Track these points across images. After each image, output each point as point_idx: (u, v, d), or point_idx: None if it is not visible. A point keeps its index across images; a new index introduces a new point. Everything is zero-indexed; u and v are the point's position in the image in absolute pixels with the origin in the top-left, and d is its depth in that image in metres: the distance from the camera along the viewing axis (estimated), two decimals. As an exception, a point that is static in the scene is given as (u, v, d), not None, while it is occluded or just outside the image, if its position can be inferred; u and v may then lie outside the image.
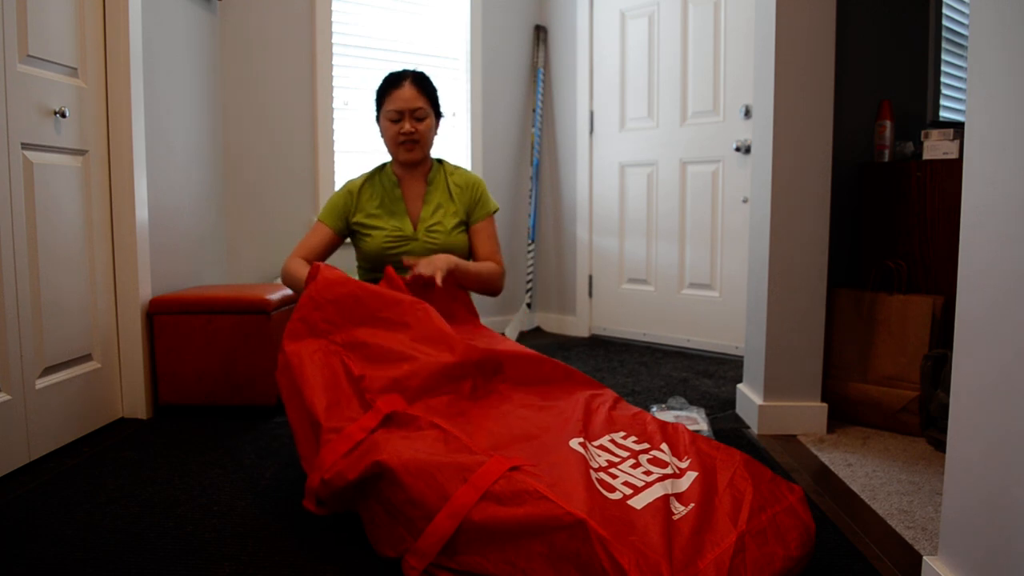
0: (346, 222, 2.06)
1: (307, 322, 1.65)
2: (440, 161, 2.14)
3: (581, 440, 1.41)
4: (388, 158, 2.12)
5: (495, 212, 2.12)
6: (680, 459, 1.43)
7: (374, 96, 2.06)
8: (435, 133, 2.08)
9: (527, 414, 1.54)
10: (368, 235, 2.03)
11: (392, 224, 2.02)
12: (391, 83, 2.01)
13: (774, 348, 2.19)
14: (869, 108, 2.45)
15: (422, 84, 2.02)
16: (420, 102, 1.99)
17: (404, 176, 2.08)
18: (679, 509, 1.24)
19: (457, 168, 2.14)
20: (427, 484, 1.27)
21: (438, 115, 2.08)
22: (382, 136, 2.06)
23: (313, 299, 1.67)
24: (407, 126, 1.98)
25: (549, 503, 1.16)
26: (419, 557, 1.24)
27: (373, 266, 2.04)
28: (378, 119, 2.05)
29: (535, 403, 1.61)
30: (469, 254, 2.10)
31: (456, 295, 1.91)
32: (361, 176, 2.11)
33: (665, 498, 1.24)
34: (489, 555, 1.19)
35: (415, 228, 2.03)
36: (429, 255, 1.96)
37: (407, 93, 1.98)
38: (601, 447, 1.44)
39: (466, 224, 2.09)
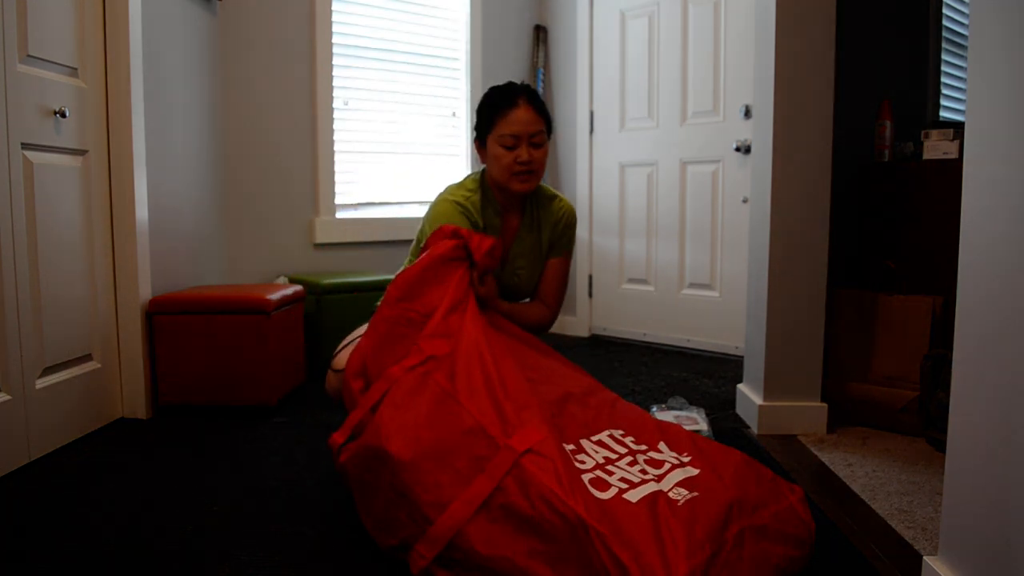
0: None
1: (387, 320, 1.63)
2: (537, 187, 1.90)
3: (572, 448, 1.41)
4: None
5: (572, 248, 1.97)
6: (681, 455, 1.43)
7: (477, 113, 1.84)
8: None
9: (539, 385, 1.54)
10: None
11: None
12: (503, 102, 1.77)
13: (774, 348, 2.19)
14: (869, 108, 2.45)
15: (538, 103, 1.79)
16: (539, 125, 1.76)
17: (505, 204, 1.87)
18: (679, 499, 1.23)
19: (553, 198, 1.92)
20: (444, 471, 1.27)
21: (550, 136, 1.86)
22: (487, 160, 1.83)
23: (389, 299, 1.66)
24: (524, 155, 1.74)
25: (555, 498, 1.16)
26: (429, 544, 1.23)
27: None
28: (482, 139, 1.83)
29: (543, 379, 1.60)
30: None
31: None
32: (473, 192, 1.85)
33: (663, 495, 1.24)
34: (495, 552, 1.19)
35: (503, 267, 1.88)
36: (504, 293, 1.87)
37: (525, 115, 1.74)
38: (599, 443, 1.44)
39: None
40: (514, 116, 1.75)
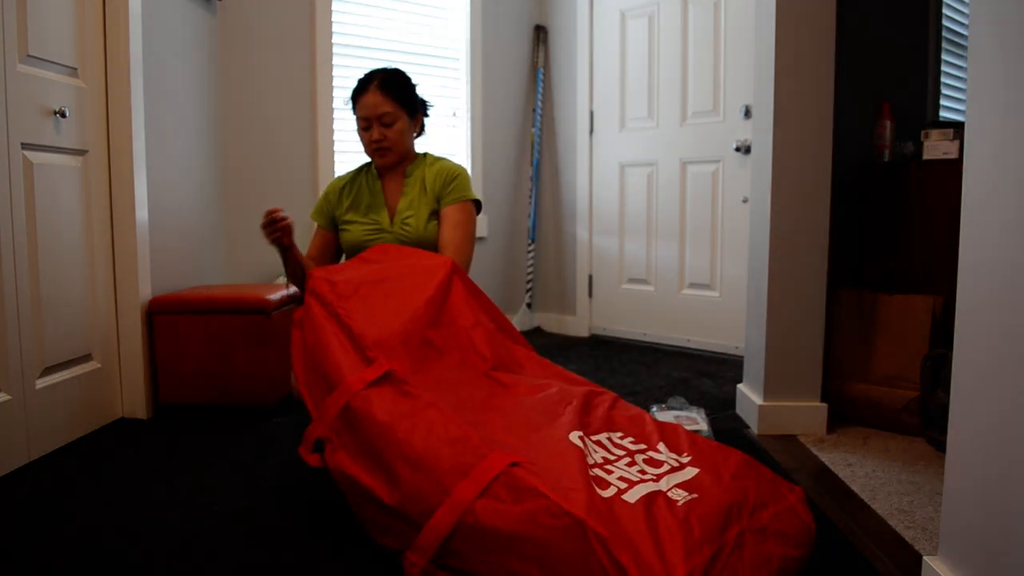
0: (334, 219, 2.10)
1: (315, 293, 1.69)
2: (424, 155, 2.11)
3: (580, 434, 1.41)
4: None
5: (473, 202, 2.04)
6: (680, 455, 1.43)
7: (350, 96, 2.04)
8: (413, 132, 2.06)
9: (527, 403, 1.54)
10: (347, 229, 2.05)
11: (371, 217, 2.03)
12: (358, 89, 1.98)
13: (774, 348, 2.19)
14: (869, 108, 2.45)
15: (389, 87, 1.97)
16: (387, 107, 1.95)
17: (385, 171, 2.08)
18: (678, 499, 1.23)
19: (439, 159, 2.09)
20: (426, 478, 1.27)
21: (413, 113, 2.04)
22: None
23: (327, 279, 1.72)
24: (375, 134, 1.96)
25: (548, 501, 1.16)
26: (420, 553, 1.24)
27: None
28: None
29: (534, 392, 1.60)
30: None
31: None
32: (346, 174, 2.13)
33: (662, 495, 1.24)
34: (488, 554, 1.19)
35: (392, 221, 2.03)
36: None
37: (371, 99, 1.94)
38: (598, 443, 1.44)
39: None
40: (364, 101, 1.96)
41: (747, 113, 3.07)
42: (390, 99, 1.96)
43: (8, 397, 1.82)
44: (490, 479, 1.22)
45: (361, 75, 2.01)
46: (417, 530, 1.26)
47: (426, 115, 2.11)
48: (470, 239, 2.00)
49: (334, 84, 3.23)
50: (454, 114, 3.68)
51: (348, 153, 3.33)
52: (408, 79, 2.04)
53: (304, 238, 3.18)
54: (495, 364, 1.70)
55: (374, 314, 1.65)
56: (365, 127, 1.98)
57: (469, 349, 1.69)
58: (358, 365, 1.52)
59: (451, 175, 2.03)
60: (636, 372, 2.99)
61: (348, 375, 1.49)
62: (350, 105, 2.03)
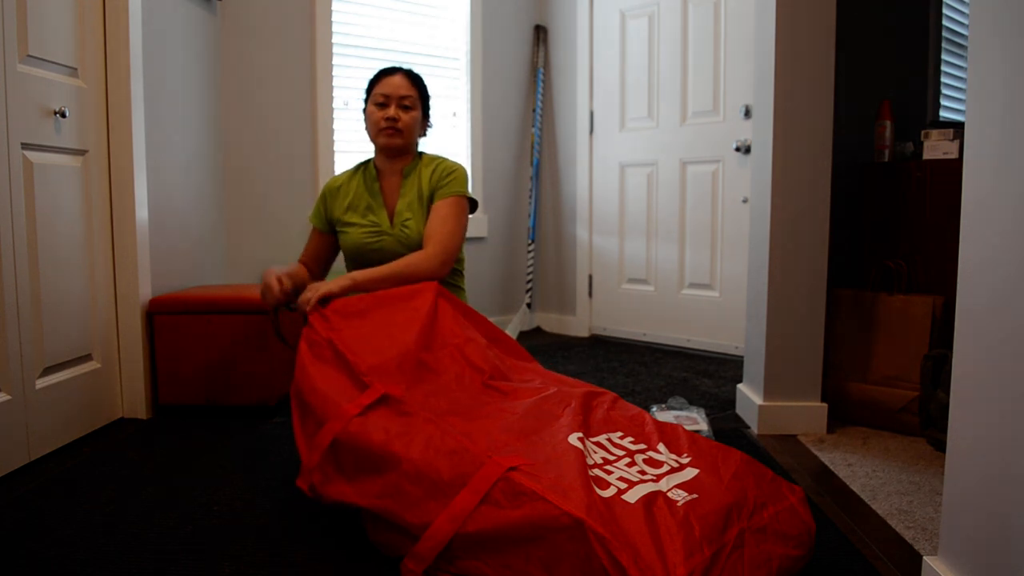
0: (330, 222, 2.09)
1: (309, 326, 1.70)
2: (421, 154, 2.10)
3: (580, 435, 1.41)
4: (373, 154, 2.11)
5: (465, 197, 2.01)
6: (680, 456, 1.43)
7: (365, 87, 2.07)
8: (420, 132, 2.07)
9: (524, 407, 1.54)
10: (346, 232, 2.04)
11: (369, 219, 2.02)
12: (384, 72, 2.03)
13: (774, 348, 2.19)
14: (869, 108, 2.45)
15: (415, 78, 2.04)
16: (410, 91, 2.00)
17: (384, 170, 2.06)
18: (678, 500, 1.23)
19: (436, 158, 2.07)
20: (426, 491, 1.27)
21: (426, 114, 2.07)
22: (366, 124, 2.04)
23: (323, 315, 1.72)
24: (391, 112, 1.97)
25: (547, 504, 1.16)
26: (417, 561, 1.24)
27: (356, 262, 2.03)
28: (365, 108, 2.04)
29: (531, 396, 1.60)
30: None
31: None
32: (343, 173, 2.12)
33: (662, 495, 1.24)
34: (488, 559, 1.19)
35: (391, 222, 2.01)
36: (402, 250, 1.96)
37: (398, 81, 1.99)
38: (598, 444, 1.44)
39: None
40: (389, 80, 2.00)
41: (747, 113, 3.08)
42: (415, 87, 2.02)
43: (8, 397, 1.82)
44: (488, 487, 1.22)
45: (363, 74, 2.02)
46: (415, 540, 1.26)
47: (429, 125, 2.11)
48: (456, 234, 1.94)
49: (334, 84, 3.23)
50: (454, 114, 3.68)
51: (348, 153, 3.33)
52: (427, 86, 2.09)
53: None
54: (492, 375, 1.70)
55: (367, 341, 1.64)
56: (382, 103, 1.98)
57: (464, 365, 1.69)
58: (353, 392, 1.52)
59: (447, 171, 2.02)
60: (636, 372, 2.99)
61: (342, 404, 1.49)
62: (363, 96, 2.04)
